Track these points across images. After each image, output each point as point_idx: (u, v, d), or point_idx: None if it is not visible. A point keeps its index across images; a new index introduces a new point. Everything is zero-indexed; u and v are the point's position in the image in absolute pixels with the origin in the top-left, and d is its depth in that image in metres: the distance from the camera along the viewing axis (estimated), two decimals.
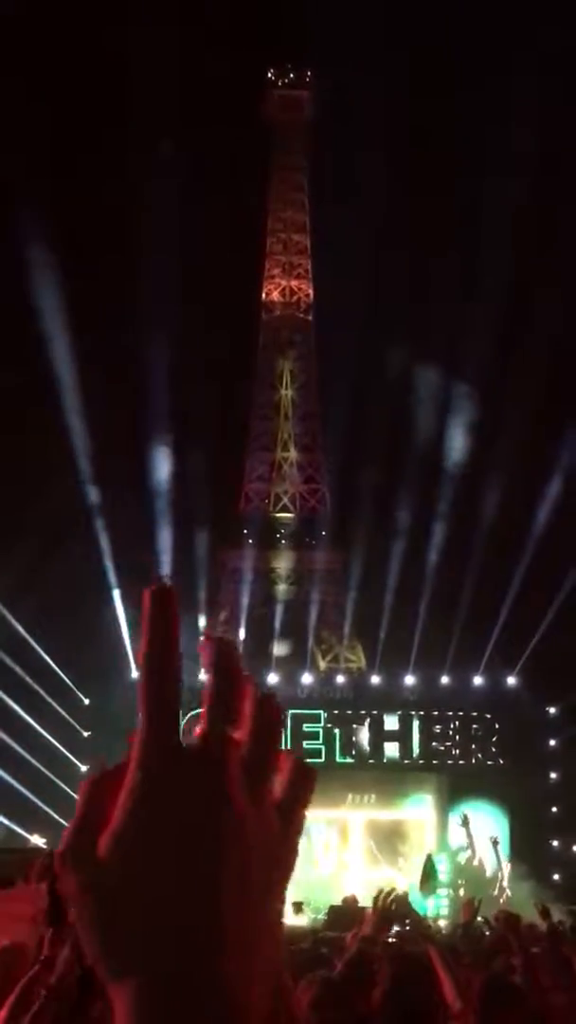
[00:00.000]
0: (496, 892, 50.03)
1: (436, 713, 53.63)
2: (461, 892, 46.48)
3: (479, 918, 15.15)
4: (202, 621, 72.47)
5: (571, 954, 8.45)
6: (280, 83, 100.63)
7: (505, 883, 50.56)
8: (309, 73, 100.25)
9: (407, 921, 8.08)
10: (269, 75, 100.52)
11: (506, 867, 51.32)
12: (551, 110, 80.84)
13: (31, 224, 61.16)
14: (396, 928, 11.25)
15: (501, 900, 49.13)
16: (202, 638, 1.15)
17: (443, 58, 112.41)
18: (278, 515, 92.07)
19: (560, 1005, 6.59)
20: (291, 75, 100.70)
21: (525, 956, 6.87)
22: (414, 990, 5.83)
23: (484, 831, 51.28)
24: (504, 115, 70.98)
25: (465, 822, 45.21)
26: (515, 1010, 5.97)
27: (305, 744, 51.71)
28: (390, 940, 10.48)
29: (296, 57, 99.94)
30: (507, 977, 6.81)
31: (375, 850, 50.90)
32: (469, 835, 49.03)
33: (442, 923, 39.58)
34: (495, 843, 50.10)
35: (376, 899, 8.53)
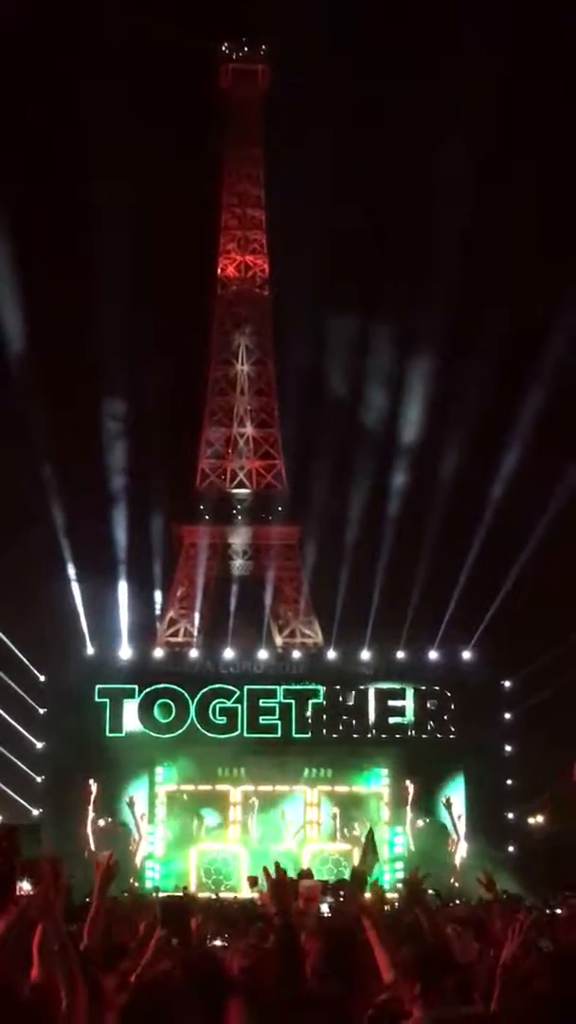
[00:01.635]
0: (449, 866, 50.59)
1: (392, 687, 53.87)
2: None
3: (430, 891, 15.25)
4: (158, 597, 72.43)
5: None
6: (234, 56, 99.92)
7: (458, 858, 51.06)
8: (264, 47, 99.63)
9: (341, 893, 8.11)
10: (223, 48, 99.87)
11: (462, 845, 51.75)
12: (509, 80, 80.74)
13: None
14: (331, 900, 11.34)
15: (452, 878, 49.63)
16: None
17: (399, 30, 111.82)
18: (234, 491, 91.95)
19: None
20: (245, 48, 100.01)
21: (430, 920, 6.91)
22: (343, 962, 5.87)
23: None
24: (461, 88, 70.69)
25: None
26: (447, 975, 6.04)
27: (261, 719, 51.89)
28: (324, 915, 10.55)
29: (250, 30, 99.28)
30: (439, 946, 6.87)
31: (334, 823, 51.17)
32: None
33: (395, 895, 39.95)
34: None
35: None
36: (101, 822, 51.06)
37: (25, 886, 6.65)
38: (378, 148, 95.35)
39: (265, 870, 7.63)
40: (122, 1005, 4.75)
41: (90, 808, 51.15)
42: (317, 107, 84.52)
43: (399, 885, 45.34)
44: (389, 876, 47.60)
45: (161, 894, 39.85)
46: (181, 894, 27.83)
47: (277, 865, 7.93)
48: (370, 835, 20.91)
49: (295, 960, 6.12)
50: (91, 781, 51.31)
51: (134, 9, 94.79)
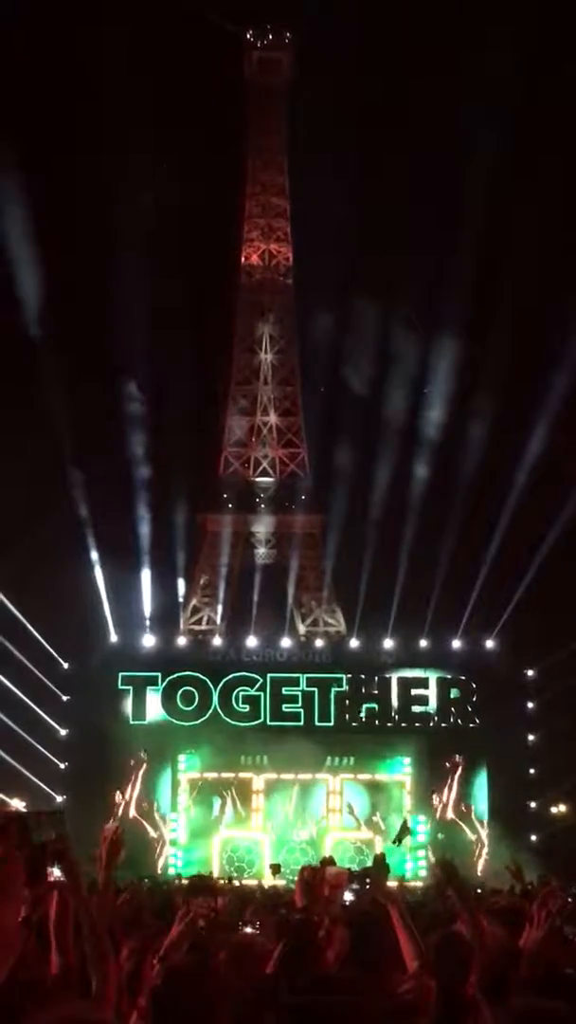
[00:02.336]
0: (476, 855, 50.67)
1: (415, 676, 53.86)
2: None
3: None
4: (181, 585, 72.56)
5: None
6: (259, 44, 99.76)
7: (485, 848, 51.08)
8: (288, 34, 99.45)
9: (367, 881, 8.12)
10: (248, 36, 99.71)
11: (484, 831, 51.78)
12: (543, 65, 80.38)
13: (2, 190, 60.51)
14: (356, 887, 11.33)
15: (480, 864, 49.74)
16: None
17: (430, 17, 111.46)
18: (257, 479, 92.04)
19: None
20: (270, 36, 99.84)
21: (466, 908, 6.91)
22: (367, 950, 5.88)
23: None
24: (489, 76, 70.43)
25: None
26: (465, 964, 6.04)
27: (284, 707, 51.96)
28: (347, 903, 10.56)
29: (276, 17, 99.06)
30: (458, 934, 6.87)
31: (355, 812, 51.20)
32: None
33: (419, 884, 40.02)
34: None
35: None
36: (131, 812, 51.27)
37: (56, 872, 6.74)
38: (403, 135, 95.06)
39: (303, 870, 7.70)
40: (154, 988, 4.77)
41: (116, 796, 51.36)
42: (342, 94, 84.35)
43: (422, 873, 45.52)
44: (411, 865, 47.68)
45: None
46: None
47: (311, 869, 8.01)
48: (404, 823, 21.09)
49: (309, 948, 6.20)
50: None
51: None
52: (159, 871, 46.83)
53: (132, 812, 50.97)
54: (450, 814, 52.12)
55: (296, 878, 9.07)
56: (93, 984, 5.55)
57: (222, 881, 33.10)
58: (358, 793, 51.80)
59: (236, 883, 35.92)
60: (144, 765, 51.82)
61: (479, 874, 47.28)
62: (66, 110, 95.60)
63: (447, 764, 52.29)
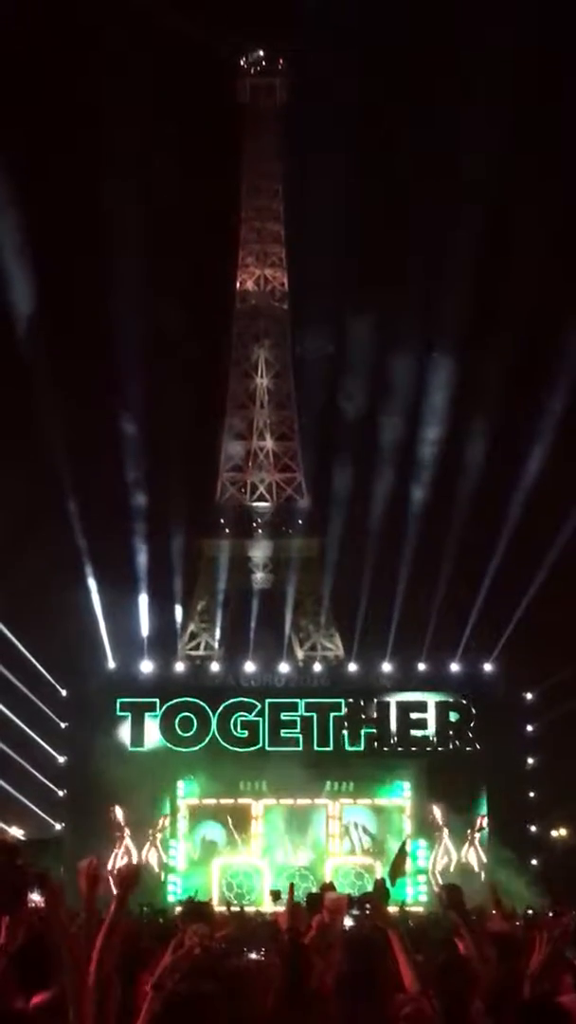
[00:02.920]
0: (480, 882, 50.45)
1: (413, 700, 53.76)
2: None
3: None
4: (179, 610, 72.43)
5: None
6: (252, 70, 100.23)
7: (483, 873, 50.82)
8: (281, 60, 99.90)
9: (367, 906, 8.11)
10: (241, 62, 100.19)
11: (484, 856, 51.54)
12: (535, 91, 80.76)
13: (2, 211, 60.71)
14: (356, 912, 11.31)
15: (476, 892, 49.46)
16: None
17: (424, 39, 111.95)
18: (254, 504, 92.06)
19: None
20: (263, 62, 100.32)
21: (469, 930, 6.91)
22: (366, 972, 5.87)
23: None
24: (484, 94, 70.76)
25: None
26: (468, 986, 6.03)
27: (283, 732, 51.83)
28: (347, 927, 10.54)
29: (270, 43, 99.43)
30: (460, 957, 6.86)
31: (354, 837, 51.06)
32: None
33: (420, 909, 39.89)
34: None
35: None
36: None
37: (35, 897, 6.72)
38: (400, 159, 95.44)
39: (290, 888, 7.67)
40: (155, 1013, 4.73)
41: (116, 831, 51.14)
42: (337, 118, 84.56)
43: (423, 898, 45.37)
44: (412, 890, 47.49)
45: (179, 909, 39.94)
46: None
47: (291, 888, 8.00)
48: (402, 847, 20.92)
49: (300, 974, 6.20)
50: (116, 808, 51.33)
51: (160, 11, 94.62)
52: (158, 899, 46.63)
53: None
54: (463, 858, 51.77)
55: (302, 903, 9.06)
56: (70, 1015, 5.51)
57: (223, 909, 32.91)
58: (367, 818, 51.68)
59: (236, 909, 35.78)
60: (122, 820, 51.52)
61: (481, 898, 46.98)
62: (60, 134, 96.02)
63: (468, 830, 51.86)
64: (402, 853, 21.26)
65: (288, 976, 6.40)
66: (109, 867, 46.39)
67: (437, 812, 51.84)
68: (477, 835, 51.75)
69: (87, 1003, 5.57)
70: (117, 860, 49.16)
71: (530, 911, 30.83)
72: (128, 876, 6.38)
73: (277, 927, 10.29)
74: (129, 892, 6.42)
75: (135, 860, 50.67)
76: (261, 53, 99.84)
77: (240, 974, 5.97)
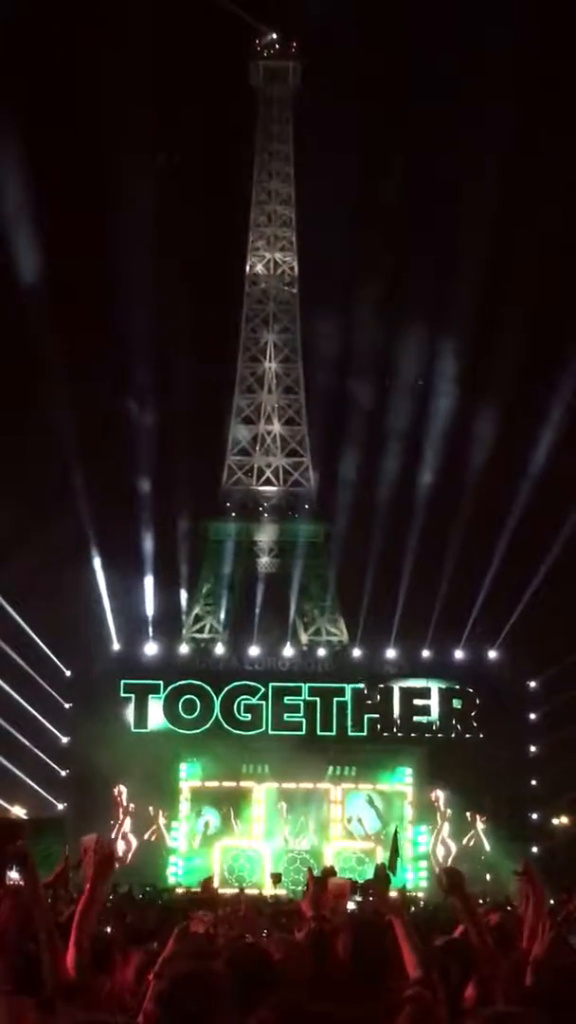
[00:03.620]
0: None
1: (417, 686, 53.80)
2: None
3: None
4: (184, 593, 72.55)
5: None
6: (265, 54, 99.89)
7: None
8: (295, 44, 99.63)
9: (370, 892, 8.16)
10: (255, 45, 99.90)
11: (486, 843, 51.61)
12: (546, 74, 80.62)
13: (12, 196, 60.69)
14: (359, 898, 11.35)
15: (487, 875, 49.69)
16: None
17: (433, 21, 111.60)
18: (261, 488, 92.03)
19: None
20: (276, 46, 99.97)
21: (470, 915, 6.95)
22: (370, 957, 5.91)
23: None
24: (494, 83, 70.67)
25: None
26: (470, 972, 6.06)
27: (286, 716, 51.88)
28: (351, 911, 10.59)
29: (283, 26, 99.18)
30: (461, 941, 6.89)
31: (356, 821, 51.13)
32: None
33: (421, 895, 39.98)
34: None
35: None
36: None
37: (13, 875, 6.80)
38: (412, 143, 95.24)
39: (309, 873, 7.71)
40: (159, 992, 4.76)
41: (119, 813, 51.27)
42: (349, 103, 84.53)
43: (423, 884, 45.47)
44: (413, 875, 47.60)
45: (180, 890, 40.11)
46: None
47: (309, 872, 8.04)
48: (395, 836, 21.00)
49: (329, 957, 6.25)
50: (118, 788, 51.42)
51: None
52: (159, 880, 46.78)
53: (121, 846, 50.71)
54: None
55: (303, 888, 9.11)
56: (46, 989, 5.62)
57: (231, 891, 32.91)
58: (366, 808, 51.70)
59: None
60: (125, 800, 51.62)
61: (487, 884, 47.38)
62: (72, 119, 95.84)
63: (470, 817, 51.98)
64: (395, 844, 21.33)
65: (316, 962, 6.44)
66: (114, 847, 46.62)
67: (439, 798, 51.92)
68: (479, 822, 51.81)
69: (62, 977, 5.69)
70: (118, 841, 49.40)
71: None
72: (105, 859, 6.46)
73: (286, 906, 10.39)
74: (106, 873, 6.51)
75: (134, 842, 50.90)
76: (275, 36, 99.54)
77: (252, 954, 6.02)
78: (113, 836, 49.63)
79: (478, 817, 51.78)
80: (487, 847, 51.21)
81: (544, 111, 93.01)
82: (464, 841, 51.64)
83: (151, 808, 51.60)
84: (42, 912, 6.14)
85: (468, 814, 51.86)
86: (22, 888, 6.40)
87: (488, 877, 49.37)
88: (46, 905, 6.15)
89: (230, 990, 4.53)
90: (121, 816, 51.21)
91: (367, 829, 50.94)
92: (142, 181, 72.25)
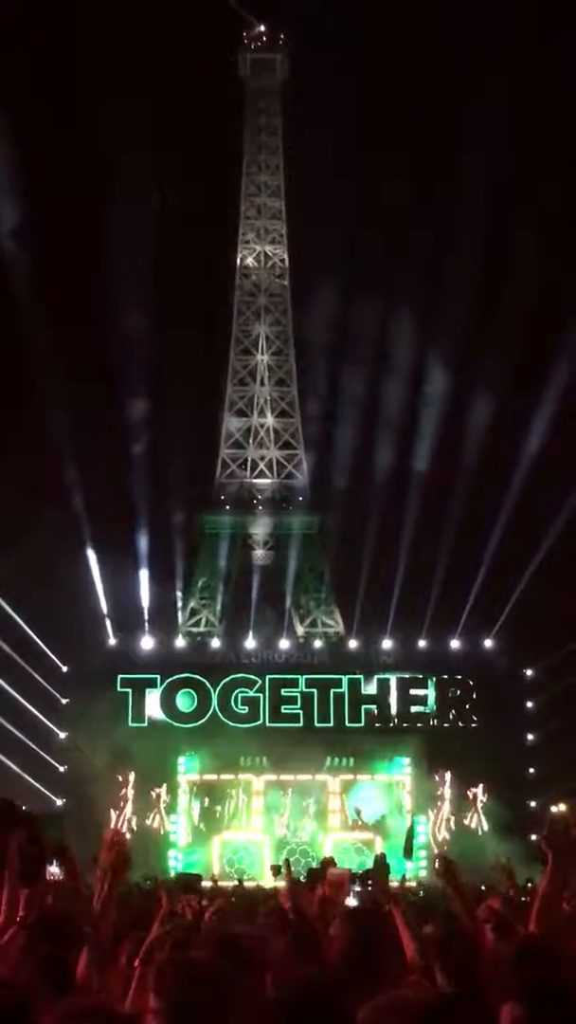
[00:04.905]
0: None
1: (414, 676, 53.81)
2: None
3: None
4: (179, 587, 72.49)
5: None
6: (253, 46, 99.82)
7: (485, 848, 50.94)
8: (282, 36, 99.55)
9: (369, 882, 8.18)
10: (242, 37, 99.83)
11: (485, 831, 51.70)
12: (531, 66, 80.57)
13: (5, 189, 60.60)
14: (358, 888, 11.34)
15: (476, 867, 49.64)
16: None
17: (423, 12, 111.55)
18: (255, 481, 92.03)
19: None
20: (264, 38, 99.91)
21: (463, 902, 6.95)
22: (370, 945, 5.90)
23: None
24: (485, 74, 70.67)
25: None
26: (471, 959, 6.08)
27: (283, 708, 51.91)
28: (350, 902, 10.59)
29: (271, 18, 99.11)
30: (463, 927, 6.89)
31: (355, 812, 51.14)
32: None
33: (414, 884, 39.93)
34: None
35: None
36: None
37: (54, 869, 6.76)
38: (401, 134, 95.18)
39: (286, 864, 7.71)
40: (166, 987, 4.70)
41: (120, 800, 51.29)
42: (338, 94, 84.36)
43: (423, 874, 45.49)
44: (412, 865, 47.60)
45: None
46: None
47: (288, 864, 8.05)
48: (411, 829, 21.11)
49: (308, 947, 6.26)
50: (116, 783, 51.45)
51: None
52: (160, 872, 46.77)
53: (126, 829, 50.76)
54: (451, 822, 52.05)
55: (302, 879, 9.11)
56: (95, 983, 5.56)
57: (230, 883, 32.88)
58: (368, 794, 51.68)
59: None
60: (130, 783, 51.69)
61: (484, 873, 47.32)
62: (62, 111, 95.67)
63: (468, 805, 52.07)
64: (410, 833, 21.33)
65: (293, 951, 6.44)
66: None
67: (437, 787, 51.98)
68: (478, 810, 51.88)
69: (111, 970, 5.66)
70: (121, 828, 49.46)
71: (529, 884, 30.88)
72: (122, 851, 6.43)
73: (279, 904, 10.39)
74: (125, 872, 6.46)
75: (136, 830, 50.90)
76: (263, 28, 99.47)
77: (238, 942, 5.99)
78: (112, 827, 49.74)
79: (478, 797, 51.88)
80: (485, 829, 51.31)
81: (541, 102, 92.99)
82: (463, 826, 51.75)
83: (153, 793, 51.62)
84: (83, 908, 6.08)
85: (467, 804, 51.94)
86: (62, 883, 6.32)
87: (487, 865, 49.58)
88: (87, 900, 6.09)
89: (222, 980, 4.53)
90: (119, 811, 51.23)
91: (366, 819, 50.94)
92: (133, 178, 71.99)
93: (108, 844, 6.36)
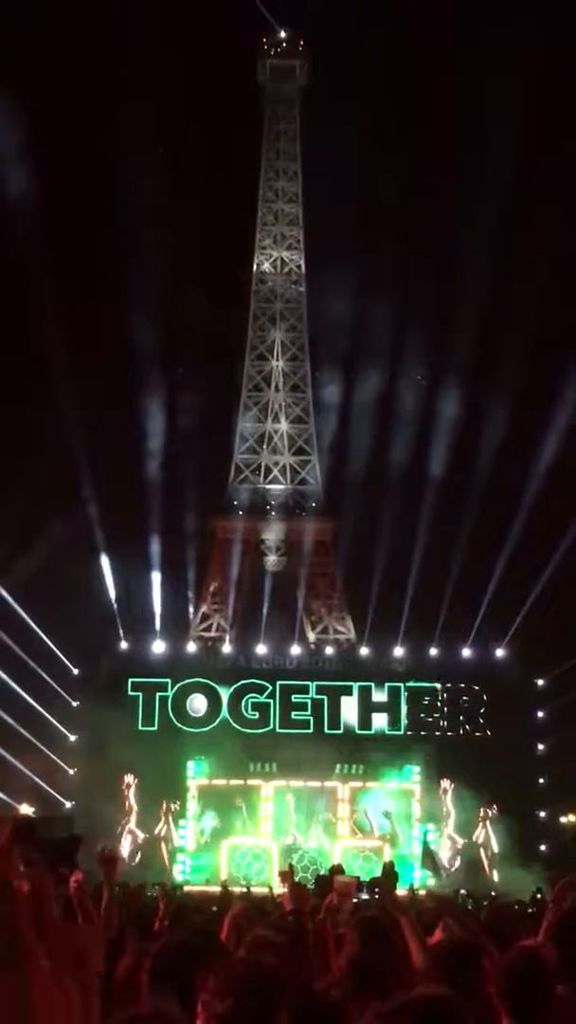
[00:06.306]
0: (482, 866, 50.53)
1: (425, 684, 53.72)
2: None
3: (462, 891, 15.28)
4: (191, 591, 72.56)
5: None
6: (272, 52, 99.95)
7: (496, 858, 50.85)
8: (301, 42, 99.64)
9: (376, 890, 8.20)
10: (262, 44, 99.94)
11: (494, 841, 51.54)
12: (554, 68, 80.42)
13: (21, 193, 60.75)
14: (365, 896, 11.33)
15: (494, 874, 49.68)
16: None
17: (437, 21, 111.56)
18: (268, 486, 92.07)
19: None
20: (283, 44, 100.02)
21: (460, 925, 6.96)
22: (377, 953, 5.89)
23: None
24: (506, 81, 70.51)
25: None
26: (475, 971, 6.09)
27: (293, 715, 51.87)
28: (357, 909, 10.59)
29: (290, 24, 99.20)
30: (467, 942, 6.89)
31: (365, 820, 51.06)
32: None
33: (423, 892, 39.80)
34: None
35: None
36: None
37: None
38: (419, 141, 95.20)
39: (289, 869, 7.71)
40: (223, 1009, 4.58)
41: (128, 804, 51.29)
42: (356, 101, 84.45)
43: (431, 882, 45.38)
44: (420, 873, 47.52)
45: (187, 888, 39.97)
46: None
47: (291, 868, 8.06)
48: (426, 844, 21.15)
49: (305, 951, 6.27)
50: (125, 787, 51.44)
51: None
52: (168, 879, 46.72)
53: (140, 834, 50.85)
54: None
55: (311, 886, 9.12)
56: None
57: (236, 889, 32.84)
58: (379, 802, 51.57)
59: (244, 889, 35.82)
60: (139, 787, 51.66)
61: (495, 882, 47.45)
62: (79, 116, 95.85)
63: (478, 815, 51.85)
64: (427, 848, 21.34)
65: (296, 953, 6.45)
66: (119, 846, 46.89)
67: (446, 797, 51.85)
68: (487, 820, 51.72)
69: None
70: (124, 836, 49.55)
71: (539, 895, 30.84)
72: (108, 857, 6.50)
73: (282, 907, 10.39)
74: (113, 875, 6.55)
75: (140, 838, 50.90)
76: (282, 34, 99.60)
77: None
78: (118, 831, 49.77)
79: (489, 812, 51.68)
80: (495, 844, 51.15)
81: (551, 109, 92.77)
82: (472, 838, 51.59)
83: (163, 803, 51.52)
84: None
85: (477, 814, 51.78)
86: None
87: (495, 875, 49.52)
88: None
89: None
90: (128, 816, 51.24)
91: (375, 828, 50.85)
92: (150, 180, 72.04)
93: (101, 860, 6.42)
